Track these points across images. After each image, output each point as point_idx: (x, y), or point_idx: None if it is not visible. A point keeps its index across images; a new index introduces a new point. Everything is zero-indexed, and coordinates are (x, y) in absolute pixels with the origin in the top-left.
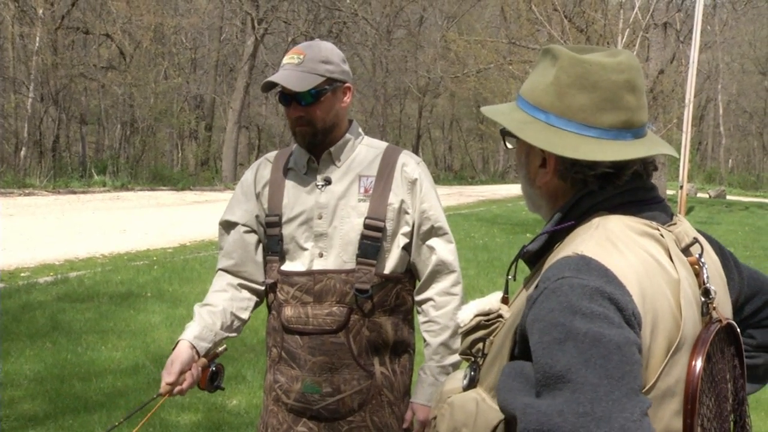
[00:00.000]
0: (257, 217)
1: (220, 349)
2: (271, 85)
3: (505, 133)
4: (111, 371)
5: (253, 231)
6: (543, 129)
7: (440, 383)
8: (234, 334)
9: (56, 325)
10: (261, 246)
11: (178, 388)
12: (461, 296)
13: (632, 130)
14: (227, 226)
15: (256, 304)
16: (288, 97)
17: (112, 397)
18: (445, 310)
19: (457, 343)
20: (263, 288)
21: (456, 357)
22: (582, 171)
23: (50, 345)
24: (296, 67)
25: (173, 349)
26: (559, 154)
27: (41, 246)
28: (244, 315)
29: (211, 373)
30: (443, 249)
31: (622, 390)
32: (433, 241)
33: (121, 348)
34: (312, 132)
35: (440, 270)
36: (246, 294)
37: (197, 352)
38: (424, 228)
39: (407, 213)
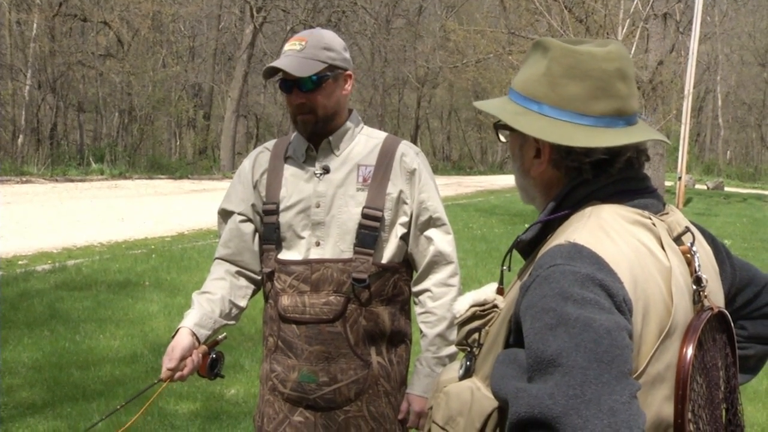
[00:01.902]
0: (254, 206)
1: (220, 336)
2: (272, 72)
3: (499, 127)
4: (109, 360)
5: (250, 220)
6: (537, 119)
7: (436, 374)
8: (232, 322)
9: (54, 314)
10: (257, 235)
11: (178, 374)
12: (458, 287)
13: (625, 118)
14: (225, 214)
15: (254, 292)
16: (290, 84)
17: (110, 386)
18: (442, 301)
19: (454, 334)
20: (260, 277)
21: (452, 348)
22: (577, 159)
23: (48, 333)
24: (298, 53)
25: (173, 336)
26: (554, 142)
27: (39, 234)
28: (242, 303)
29: (212, 360)
30: (441, 240)
31: (611, 373)
32: (431, 232)
33: (119, 336)
34: (314, 120)
35: (438, 261)
36: (243, 282)
37: (197, 339)
38: (423, 218)
39: (405, 203)
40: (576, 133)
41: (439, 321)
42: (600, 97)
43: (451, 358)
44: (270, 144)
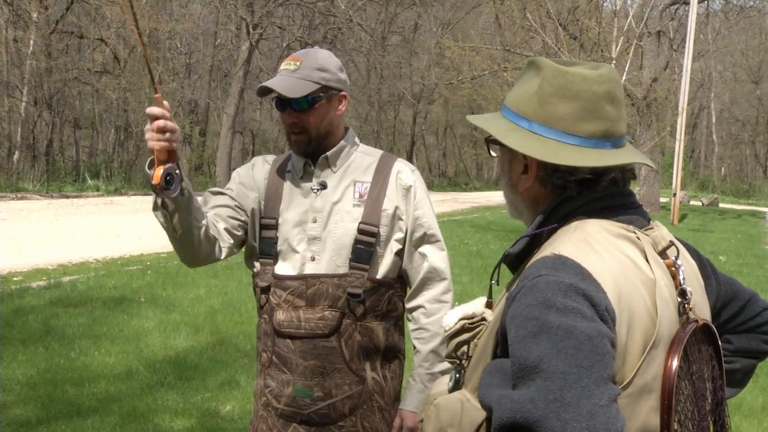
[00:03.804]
0: (252, 204)
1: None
2: (266, 91)
3: (490, 141)
4: (104, 376)
5: (242, 209)
6: (526, 136)
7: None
8: (197, 224)
9: (49, 330)
10: (241, 225)
11: (164, 120)
12: (452, 304)
13: (611, 140)
14: (218, 193)
15: (212, 240)
16: (283, 103)
17: (105, 402)
18: (436, 317)
19: None
20: (225, 247)
21: (446, 364)
22: (563, 177)
23: (43, 350)
24: (292, 73)
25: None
26: (540, 159)
27: (34, 250)
28: (207, 225)
29: (170, 172)
30: (435, 256)
31: (591, 378)
32: (425, 248)
33: (114, 353)
34: (307, 140)
35: (432, 277)
36: (215, 228)
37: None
38: (417, 235)
39: (401, 219)
40: (562, 151)
41: (432, 337)
42: (588, 118)
43: (444, 373)
44: (269, 158)
